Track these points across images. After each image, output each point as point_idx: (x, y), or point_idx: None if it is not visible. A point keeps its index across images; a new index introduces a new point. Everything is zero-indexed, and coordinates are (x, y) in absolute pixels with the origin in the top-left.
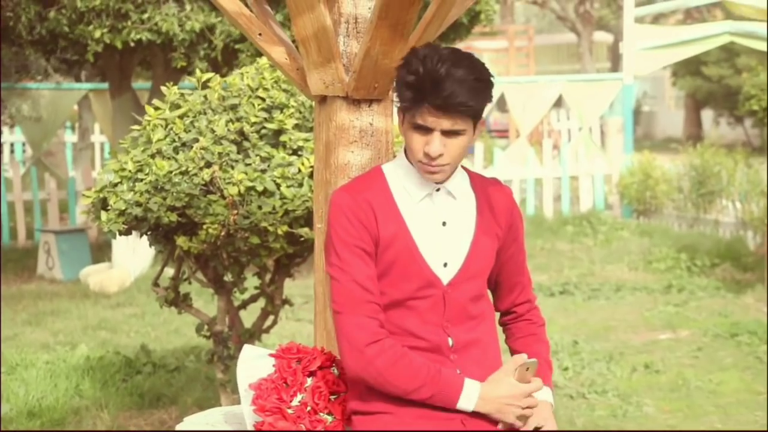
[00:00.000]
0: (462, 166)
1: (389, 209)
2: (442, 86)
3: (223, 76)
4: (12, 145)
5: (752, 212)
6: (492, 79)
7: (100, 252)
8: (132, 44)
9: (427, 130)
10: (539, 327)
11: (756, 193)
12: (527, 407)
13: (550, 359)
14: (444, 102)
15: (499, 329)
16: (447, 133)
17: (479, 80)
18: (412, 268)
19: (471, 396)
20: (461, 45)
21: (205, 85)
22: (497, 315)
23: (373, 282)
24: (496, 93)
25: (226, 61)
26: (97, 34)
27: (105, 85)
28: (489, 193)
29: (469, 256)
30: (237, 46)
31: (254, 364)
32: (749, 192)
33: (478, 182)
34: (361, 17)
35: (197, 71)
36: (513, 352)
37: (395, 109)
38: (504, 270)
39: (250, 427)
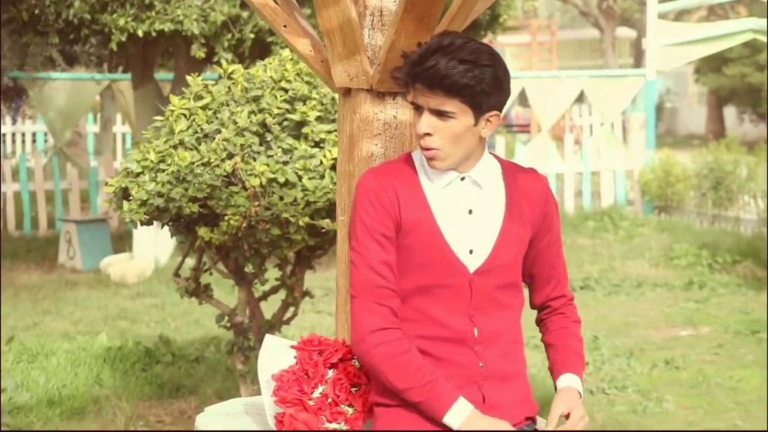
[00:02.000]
0: (495, 156)
1: (415, 194)
2: (427, 60)
3: (246, 67)
4: (34, 134)
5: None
6: (496, 67)
7: (121, 242)
8: (154, 34)
9: (419, 109)
10: (573, 322)
11: None
12: None
13: (582, 353)
14: (426, 75)
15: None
16: (437, 114)
17: (475, 63)
18: (436, 254)
19: (459, 415)
20: (485, 39)
21: (230, 77)
22: (535, 314)
23: (389, 268)
24: (517, 88)
25: (258, 53)
26: (121, 22)
27: (127, 76)
28: (522, 182)
29: (498, 244)
30: (269, 39)
31: (275, 354)
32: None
33: (511, 171)
34: (387, 10)
35: (223, 62)
36: (546, 346)
37: None
38: (538, 261)
39: (270, 419)
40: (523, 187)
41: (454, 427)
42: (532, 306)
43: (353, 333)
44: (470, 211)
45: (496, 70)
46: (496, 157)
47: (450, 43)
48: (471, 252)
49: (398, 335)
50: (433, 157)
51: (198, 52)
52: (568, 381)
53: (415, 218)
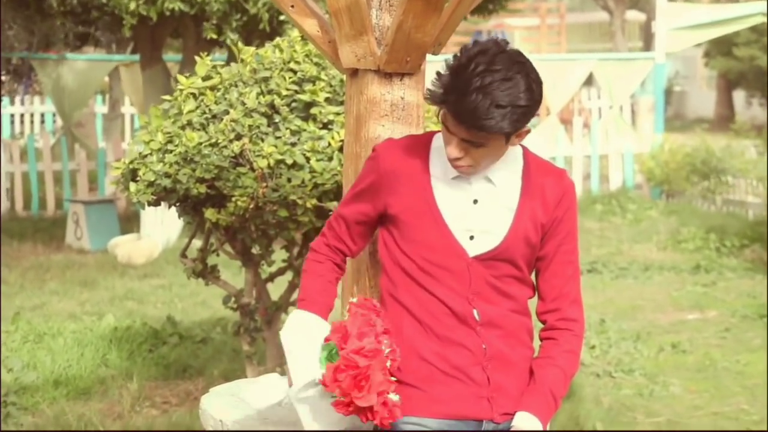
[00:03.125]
0: (525, 151)
1: (420, 176)
2: (466, 101)
3: (258, 47)
4: (42, 115)
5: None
6: (533, 102)
7: (129, 223)
8: (168, 14)
9: (451, 134)
10: (563, 352)
11: None
12: None
13: (554, 389)
14: (464, 117)
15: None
16: (467, 141)
17: (513, 106)
18: (434, 235)
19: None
20: (493, 22)
21: (243, 59)
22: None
23: (342, 219)
24: None
25: (270, 33)
26: (132, 6)
27: (136, 57)
28: (543, 180)
29: (506, 237)
30: (282, 17)
31: (306, 327)
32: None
33: (534, 167)
34: None
35: (238, 44)
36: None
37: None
38: (543, 269)
39: (316, 374)
40: (542, 185)
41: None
42: (537, 316)
43: None
44: (475, 201)
45: (531, 107)
46: (526, 153)
47: (490, 81)
48: (472, 238)
49: (322, 258)
50: (463, 171)
51: (210, 32)
52: (520, 420)
53: (414, 197)
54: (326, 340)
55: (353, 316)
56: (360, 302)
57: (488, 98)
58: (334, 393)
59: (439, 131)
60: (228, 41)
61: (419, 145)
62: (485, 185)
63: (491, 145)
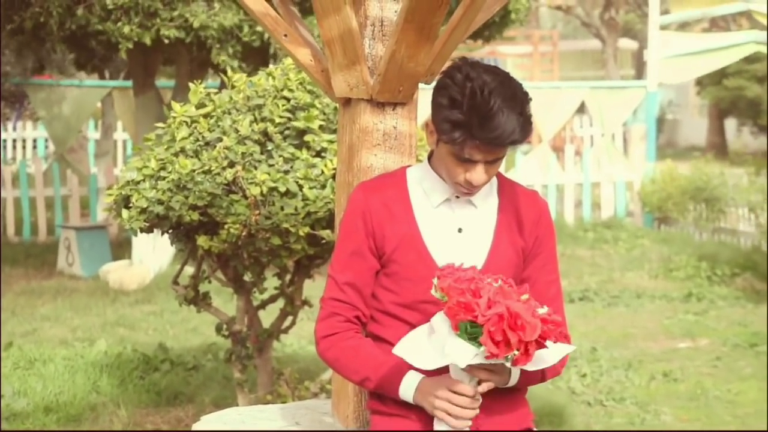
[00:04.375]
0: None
1: (403, 212)
2: (493, 124)
3: (250, 74)
4: (35, 140)
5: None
6: (525, 93)
7: (120, 249)
8: (167, 42)
9: (471, 162)
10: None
11: None
12: (463, 408)
13: (529, 374)
14: (495, 140)
15: None
16: (491, 162)
17: (523, 113)
18: (422, 272)
19: (410, 388)
20: (486, 49)
21: (233, 86)
22: None
23: (350, 287)
24: None
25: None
26: (126, 30)
27: (129, 83)
28: (518, 203)
29: (486, 263)
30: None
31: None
32: (761, 202)
33: (508, 190)
34: (387, 20)
35: (228, 70)
36: None
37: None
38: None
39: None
40: (518, 208)
41: (410, 400)
42: None
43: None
44: (460, 230)
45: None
46: (498, 174)
47: (503, 98)
48: None
49: (347, 336)
50: (470, 194)
51: (218, 57)
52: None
53: (400, 235)
54: (455, 328)
55: (450, 291)
56: (442, 275)
57: (508, 113)
58: (508, 355)
59: (408, 166)
60: (227, 67)
61: (395, 182)
62: (468, 210)
63: (505, 154)
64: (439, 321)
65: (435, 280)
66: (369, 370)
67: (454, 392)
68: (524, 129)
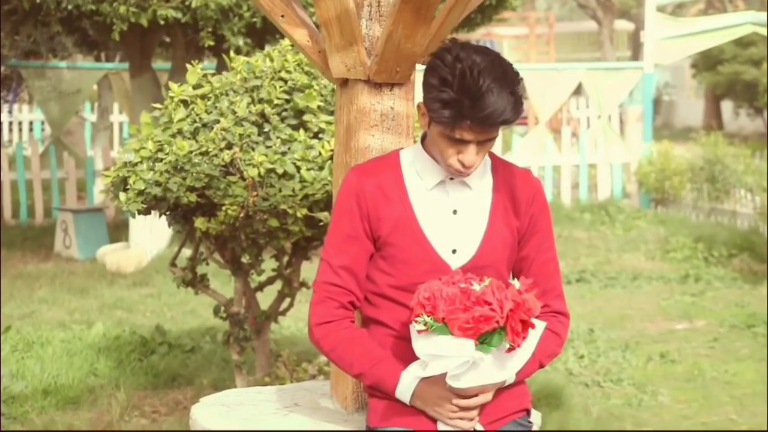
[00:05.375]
0: (490, 153)
1: (398, 194)
2: (484, 103)
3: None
4: (31, 123)
5: (764, 204)
6: (515, 72)
7: (118, 231)
8: (162, 23)
9: (463, 142)
10: (551, 332)
11: None
12: (464, 409)
13: (542, 358)
14: (486, 119)
15: None
16: (483, 142)
17: (514, 93)
18: (417, 253)
19: (407, 390)
20: (482, 30)
21: (233, 68)
22: None
23: (346, 271)
24: None
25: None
26: (122, 10)
27: (125, 65)
28: (512, 183)
29: (482, 244)
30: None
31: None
32: (760, 183)
33: (502, 170)
34: (384, 0)
35: (231, 53)
36: None
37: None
38: (526, 267)
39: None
40: (512, 187)
41: (407, 402)
42: None
43: (308, 325)
44: (455, 212)
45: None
46: (491, 154)
47: (492, 77)
48: (454, 252)
49: (345, 325)
50: (464, 174)
51: (207, 40)
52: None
53: (395, 217)
54: (475, 341)
55: (452, 315)
56: (428, 307)
57: (498, 92)
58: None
59: (401, 148)
60: (231, 46)
61: (389, 164)
62: (463, 192)
63: (495, 137)
64: (432, 347)
65: (424, 318)
66: (364, 365)
67: (457, 395)
68: (515, 108)
